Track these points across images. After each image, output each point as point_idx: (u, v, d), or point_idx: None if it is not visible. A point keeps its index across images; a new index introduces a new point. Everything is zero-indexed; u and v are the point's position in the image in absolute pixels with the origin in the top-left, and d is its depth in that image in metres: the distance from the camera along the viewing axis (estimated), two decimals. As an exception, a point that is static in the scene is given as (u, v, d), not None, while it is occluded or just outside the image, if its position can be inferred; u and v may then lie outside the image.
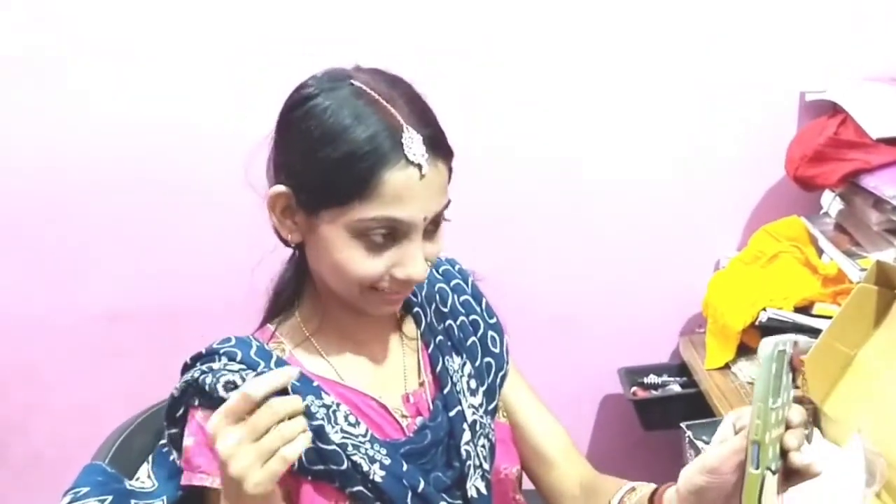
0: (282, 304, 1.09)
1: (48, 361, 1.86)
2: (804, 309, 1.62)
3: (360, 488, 0.97)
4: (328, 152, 0.92)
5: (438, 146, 0.96)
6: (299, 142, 0.95)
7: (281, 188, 0.97)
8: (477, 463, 1.05)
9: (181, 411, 1.00)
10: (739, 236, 1.92)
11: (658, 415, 1.81)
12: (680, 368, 1.88)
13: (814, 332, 1.51)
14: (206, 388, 0.96)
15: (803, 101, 1.84)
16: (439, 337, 1.11)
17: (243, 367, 0.98)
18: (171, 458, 1.03)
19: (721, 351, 1.69)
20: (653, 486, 1.02)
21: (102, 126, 1.74)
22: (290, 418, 0.82)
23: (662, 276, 1.92)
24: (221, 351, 1.00)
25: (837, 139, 1.65)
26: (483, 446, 1.07)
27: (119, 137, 1.75)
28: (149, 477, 1.05)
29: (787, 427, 0.84)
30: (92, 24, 1.70)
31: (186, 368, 1.01)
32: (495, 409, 1.13)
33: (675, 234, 1.90)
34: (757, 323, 1.62)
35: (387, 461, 0.99)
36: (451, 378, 1.08)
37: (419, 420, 1.06)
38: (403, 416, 1.06)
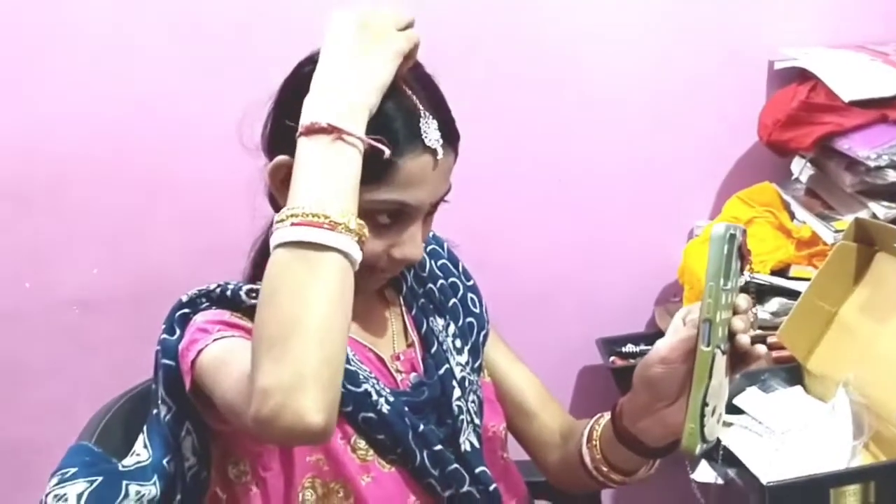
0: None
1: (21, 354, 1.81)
2: (780, 272, 1.64)
3: (372, 415, 0.96)
4: None
5: (451, 132, 0.96)
6: None
7: (286, 158, 0.92)
8: (469, 419, 1.06)
9: (184, 312, 0.99)
10: (712, 204, 1.93)
11: (637, 382, 1.82)
12: (657, 337, 1.88)
13: (793, 294, 1.53)
14: (228, 293, 0.97)
15: (772, 69, 1.86)
16: (421, 300, 1.12)
17: None
18: (159, 414, 1.00)
19: (698, 318, 1.70)
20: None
21: (72, 109, 1.69)
22: None
23: (638, 246, 1.92)
24: (232, 282, 0.99)
25: (810, 103, 1.67)
26: (473, 402, 1.08)
27: (89, 116, 1.69)
28: (145, 447, 1.02)
29: (735, 313, 0.88)
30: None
31: (181, 305, 1.00)
32: (480, 367, 1.14)
33: (650, 204, 1.91)
34: (735, 288, 1.63)
35: (391, 398, 0.99)
36: (437, 338, 1.09)
37: (413, 376, 1.06)
38: (398, 371, 1.06)
